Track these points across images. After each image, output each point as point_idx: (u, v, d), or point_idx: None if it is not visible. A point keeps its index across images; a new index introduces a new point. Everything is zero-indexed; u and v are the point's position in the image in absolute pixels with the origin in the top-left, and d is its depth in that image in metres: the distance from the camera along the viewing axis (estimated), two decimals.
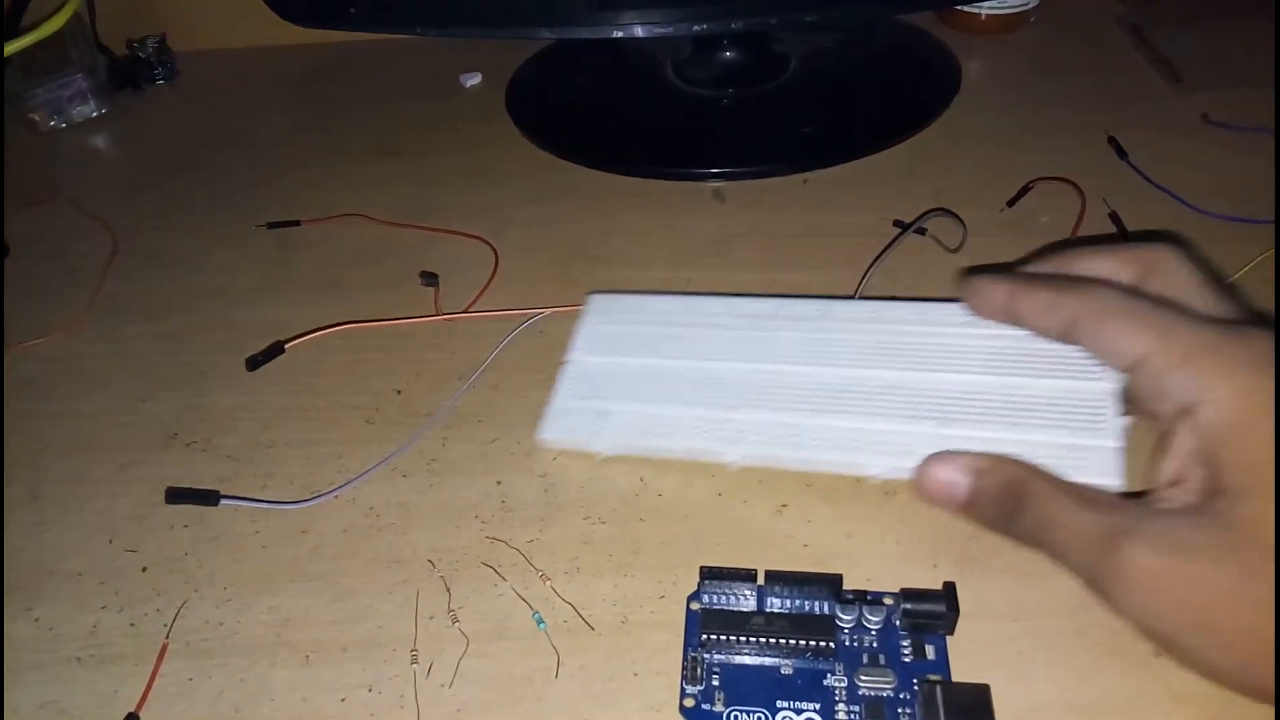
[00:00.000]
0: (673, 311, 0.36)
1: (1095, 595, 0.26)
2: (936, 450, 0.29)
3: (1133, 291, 0.28)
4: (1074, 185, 0.43)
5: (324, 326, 0.40)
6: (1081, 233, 0.41)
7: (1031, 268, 0.32)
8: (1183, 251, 0.29)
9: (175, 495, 0.33)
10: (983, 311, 0.32)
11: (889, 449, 0.30)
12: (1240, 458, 0.24)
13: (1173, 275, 0.29)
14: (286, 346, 0.38)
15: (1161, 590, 0.24)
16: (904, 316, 0.34)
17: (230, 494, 0.33)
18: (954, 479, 0.28)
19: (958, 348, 0.32)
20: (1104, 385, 0.30)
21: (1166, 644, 0.25)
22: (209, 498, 0.33)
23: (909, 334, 0.33)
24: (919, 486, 0.29)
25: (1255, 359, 0.25)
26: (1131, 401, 0.29)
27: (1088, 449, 0.29)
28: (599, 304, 0.37)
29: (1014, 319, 0.31)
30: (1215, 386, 0.25)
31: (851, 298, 0.38)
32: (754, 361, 0.34)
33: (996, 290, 0.31)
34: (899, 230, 0.42)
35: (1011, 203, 0.44)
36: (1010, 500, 0.27)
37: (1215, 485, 0.25)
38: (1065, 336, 0.29)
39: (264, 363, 0.37)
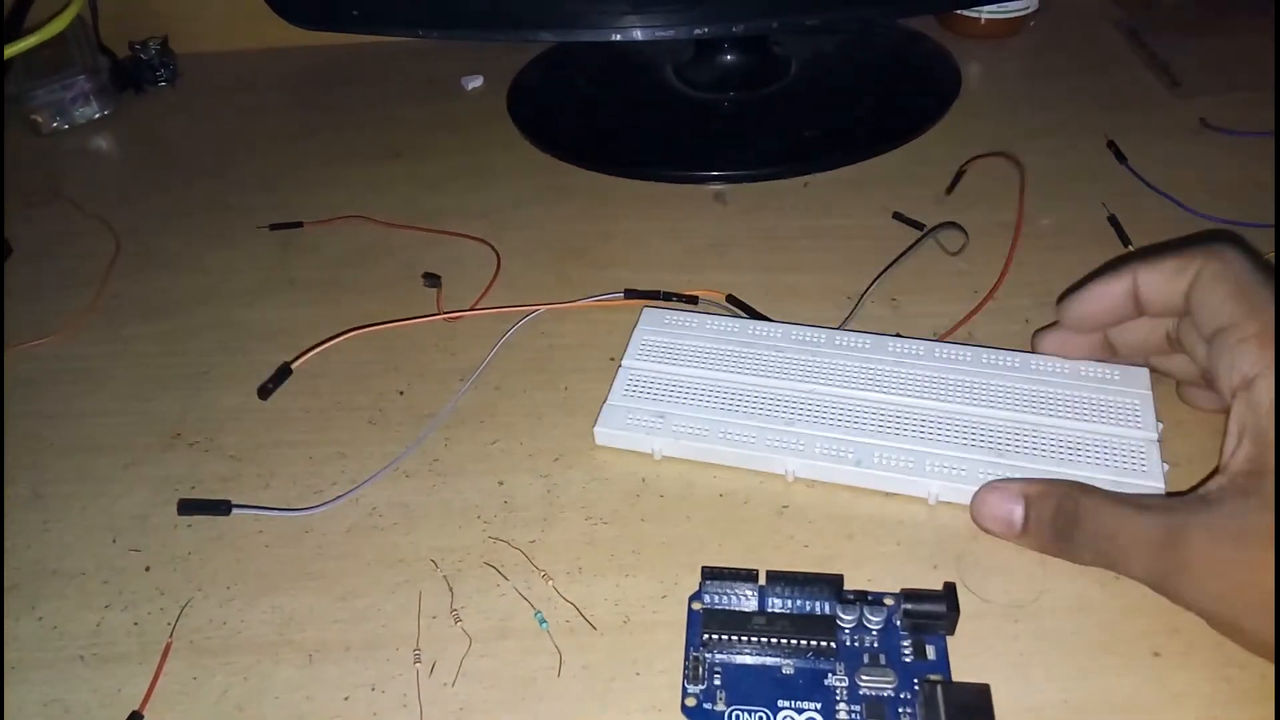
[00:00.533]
0: (726, 330, 0.37)
1: (1164, 594, 0.26)
2: (992, 477, 0.30)
3: (1253, 256, 0.29)
4: (1014, 160, 0.45)
5: (329, 338, 0.40)
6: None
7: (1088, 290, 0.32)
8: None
9: (187, 507, 0.33)
10: (1097, 309, 0.32)
11: (946, 472, 0.31)
12: None
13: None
14: (293, 367, 0.38)
15: (1223, 576, 0.25)
16: (956, 356, 0.35)
17: (240, 501, 0.33)
18: (1009, 507, 0.29)
19: (1010, 390, 0.33)
20: (1148, 434, 0.31)
21: (1232, 630, 0.25)
22: (221, 508, 0.33)
23: (962, 372, 0.34)
24: (976, 515, 0.30)
25: None
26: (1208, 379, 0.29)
27: (1134, 487, 0.30)
28: (652, 316, 0.38)
29: (1137, 300, 0.31)
30: (1276, 364, 0.26)
31: (842, 328, 0.39)
32: (809, 382, 0.34)
33: (1117, 283, 0.31)
34: (899, 222, 0.42)
35: (950, 189, 0.45)
36: (1064, 521, 0.28)
37: (1262, 463, 0.25)
38: (1184, 303, 0.29)
39: (275, 389, 0.37)
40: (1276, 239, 0.40)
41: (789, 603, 0.28)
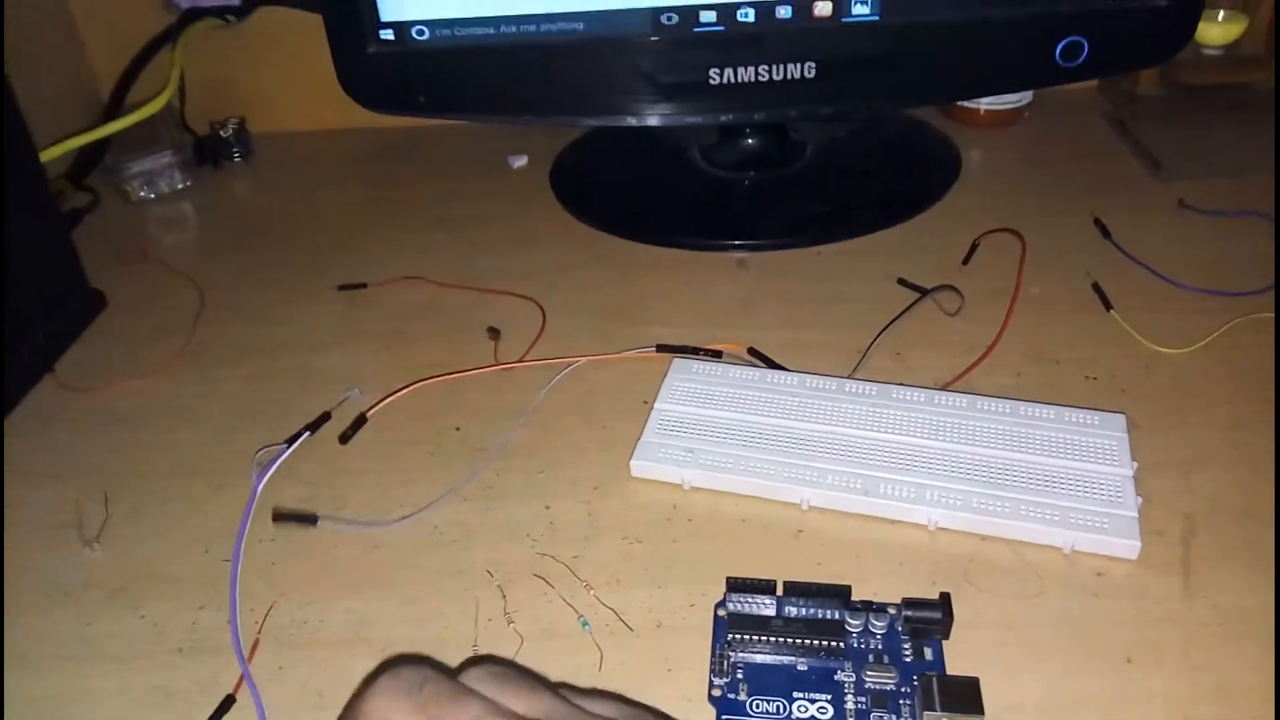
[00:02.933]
0: (747, 379, 0.41)
1: None
2: (988, 506, 0.34)
3: None
4: (1018, 236, 0.50)
5: (400, 388, 0.44)
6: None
7: None
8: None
9: (280, 516, 0.38)
10: None
11: (944, 502, 0.35)
12: None
13: None
14: (368, 415, 0.43)
15: None
16: (953, 403, 0.39)
17: (324, 514, 0.38)
18: None
19: (1001, 431, 0.38)
20: (1124, 471, 0.36)
21: None
22: (309, 519, 0.37)
23: (958, 416, 0.39)
24: None
25: None
26: None
27: (1113, 516, 0.34)
28: (681, 365, 0.42)
29: None
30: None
31: (852, 376, 0.43)
32: (822, 424, 0.39)
33: None
34: (902, 286, 0.48)
35: (966, 260, 0.50)
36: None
37: None
38: None
39: (353, 435, 0.42)
40: (1276, 301, 0.44)
41: (803, 610, 0.32)
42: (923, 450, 0.37)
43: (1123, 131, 0.61)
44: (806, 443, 0.38)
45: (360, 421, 0.42)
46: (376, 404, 0.43)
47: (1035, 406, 0.39)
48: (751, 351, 0.44)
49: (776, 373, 0.42)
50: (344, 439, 0.42)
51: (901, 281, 0.48)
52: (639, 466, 0.38)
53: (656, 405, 0.40)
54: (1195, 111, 0.61)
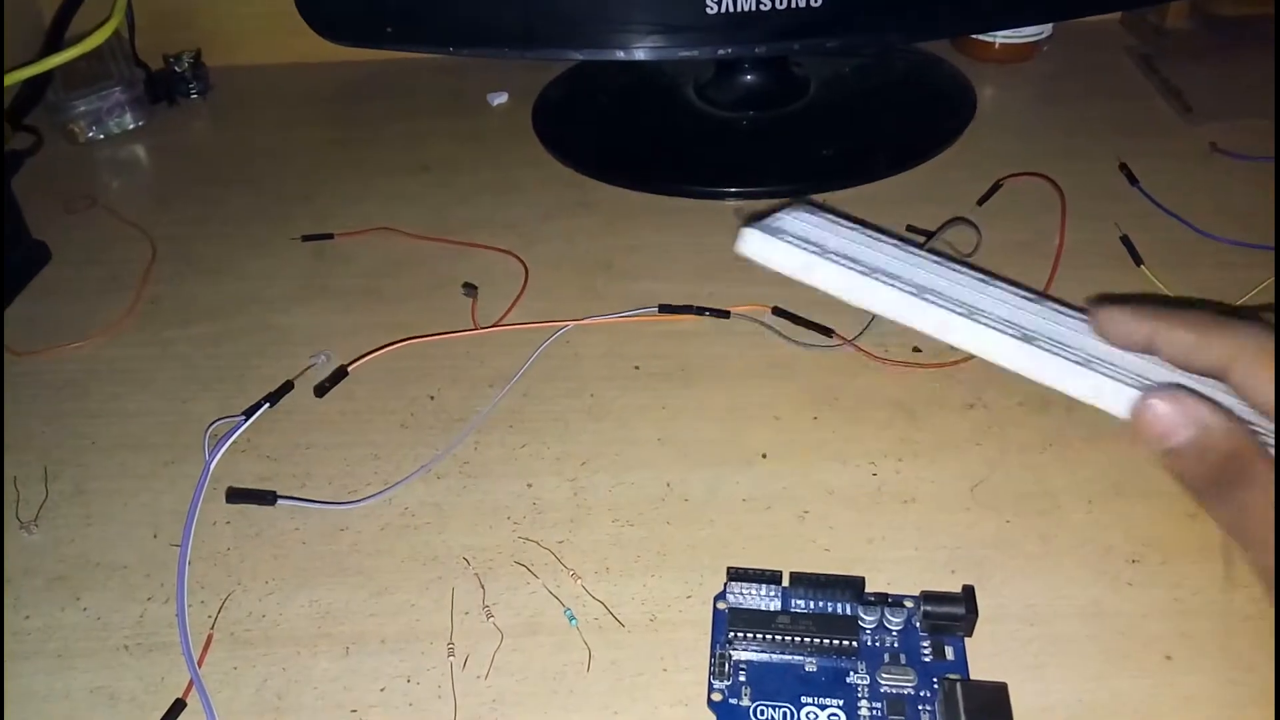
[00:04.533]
0: (860, 239, 0.29)
1: None
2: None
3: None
4: (1052, 182, 0.46)
5: (381, 346, 0.41)
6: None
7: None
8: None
9: (235, 495, 0.34)
10: (1117, 340, 0.29)
11: (1117, 372, 0.26)
12: None
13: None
14: (349, 369, 0.39)
15: None
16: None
17: (284, 494, 0.34)
18: (1177, 422, 0.25)
19: None
20: None
21: None
22: (267, 498, 0.34)
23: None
24: (1136, 413, 0.25)
25: None
26: None
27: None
28: (800, 209, 0.30)
29: (1152, 353, 0.29)
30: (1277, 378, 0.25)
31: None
32: (959, 284, 0.28)
33: (1138, 325, 0.29)
34: (914, 236, 0.44)
35: (982, 201, 0.46)
36: (1228, 474, 0.25)
37: None
38: (1210, 375, 0.28)
39: (330, 388, 0.38)
40: (1277, 261, 0.41)
41: (812, 603, 0.29)
42: (1081, 331, 0.28)
43: (1149, 68, 0.57)
44: (955, 290, 0.28)
45: (340, 374, 0.39)
46: (358, 359, 0.40)
47: None
48: (777, 311, 0.41)
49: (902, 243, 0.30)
50: (320, 391, 0.38)
51: (911, 228, 0.44)
52: (751, 239, 0.27)
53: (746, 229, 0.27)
54: (1228, 47, 0.57)
